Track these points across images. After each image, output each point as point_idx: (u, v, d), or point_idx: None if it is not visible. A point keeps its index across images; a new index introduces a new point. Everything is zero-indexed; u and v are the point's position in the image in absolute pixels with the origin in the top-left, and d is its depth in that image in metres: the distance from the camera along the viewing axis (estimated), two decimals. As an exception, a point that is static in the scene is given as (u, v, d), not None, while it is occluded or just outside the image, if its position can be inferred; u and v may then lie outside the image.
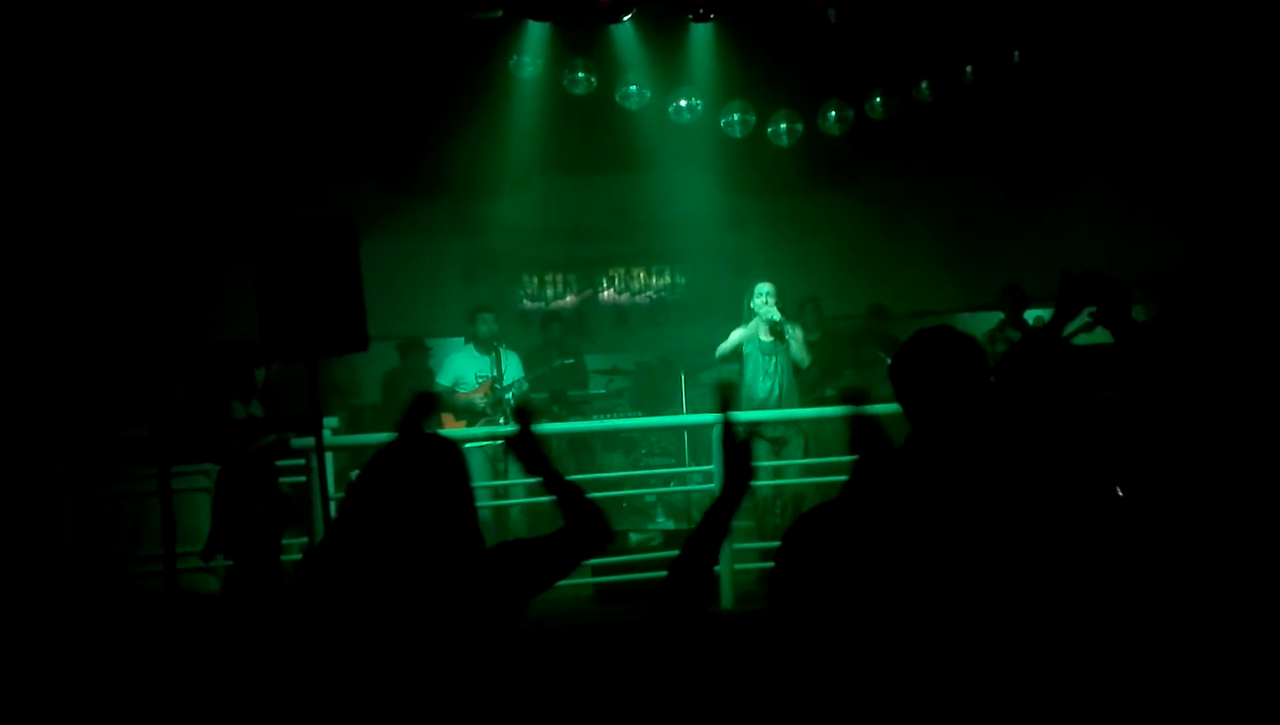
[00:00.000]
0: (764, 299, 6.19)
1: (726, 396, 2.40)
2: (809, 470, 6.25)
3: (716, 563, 2.25)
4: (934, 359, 2.18)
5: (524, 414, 2.53)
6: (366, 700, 2.09)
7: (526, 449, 2.48)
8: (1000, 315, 7.42)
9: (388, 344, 7.67)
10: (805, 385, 6.55)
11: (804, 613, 1.96)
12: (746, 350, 6.26)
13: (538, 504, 6.16)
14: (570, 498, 2.46)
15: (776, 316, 6.15)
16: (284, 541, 5.42)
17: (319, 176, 7.86)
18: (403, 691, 2.09)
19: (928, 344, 2.20)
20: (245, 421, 4.93)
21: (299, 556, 5.60)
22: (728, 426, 2.27)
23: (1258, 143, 7.24)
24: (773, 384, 6.21)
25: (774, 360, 6.23)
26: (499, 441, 6.46)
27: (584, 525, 2.43)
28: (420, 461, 2.24)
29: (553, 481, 2.48)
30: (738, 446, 2.22)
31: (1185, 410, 2.59)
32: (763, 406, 6.19)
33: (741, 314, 6.34)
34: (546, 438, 2.54)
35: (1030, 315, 7.37)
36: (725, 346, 6.33)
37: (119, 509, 5.89)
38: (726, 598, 5.50)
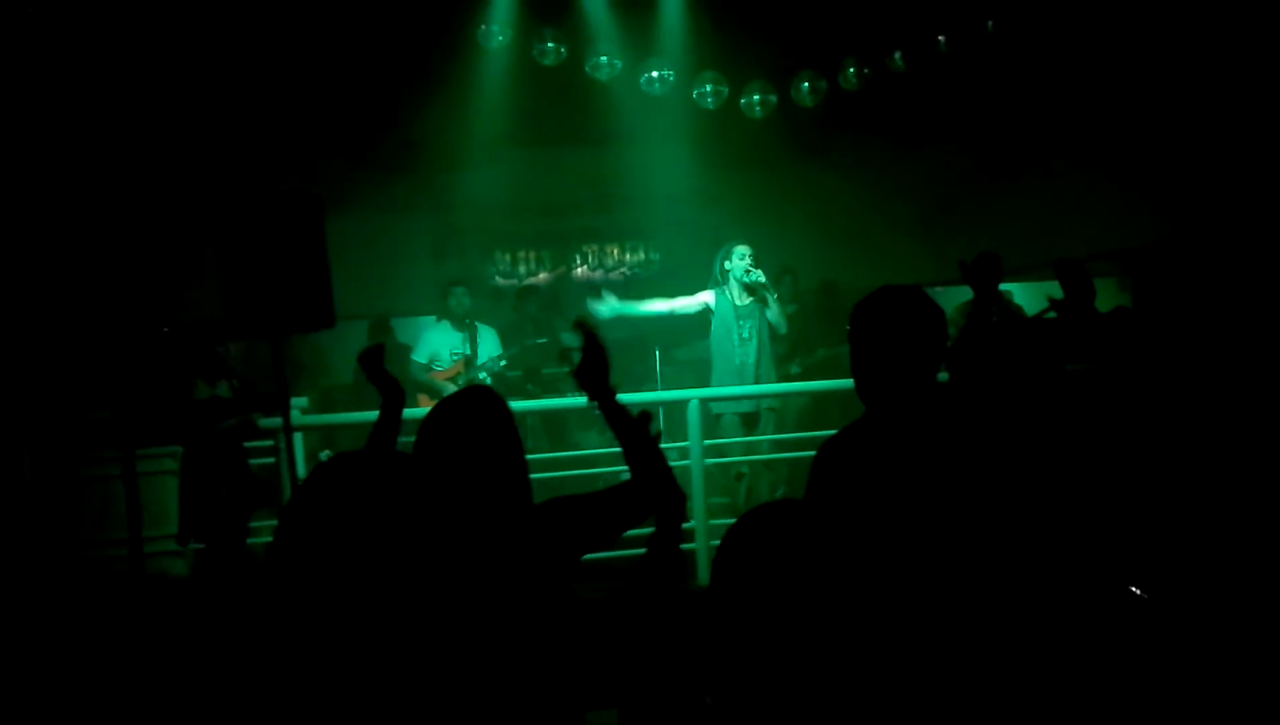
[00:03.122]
0: (745, 261, 5.99)
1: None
2: (779, 446, 6.18)
3: (681, 560, 2.21)
4: (892, 315, 2.15)
5: (587, 332, 2.31)
6: (402, 664, 2.02)
7: (593, 368, 2.28)
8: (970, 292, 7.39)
9: (358, 323, 7.55)
10: (775, 358, 6.39)
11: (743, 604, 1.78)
12: (718, 314, 6.04)
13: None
14: (639, 445, 2.26)
15: (762, 277, 5.98)
16: (254, 523, 5.33)
17: (284, 153, 7.70)
18: (443, 653, 2.02)
19: (888, 301, 2.18)
20: (209, 402, 4.83)
21: (269, 539, 5.50)
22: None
23: (1238, 116, 7.22)
24: (750, 348, 5.99)
25: (749, 323, 6.01)
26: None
27: (650, 479, 2.23)
28: (468, 417, 2.17)
29: (621, 422, 2.27)
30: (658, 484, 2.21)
31: (1156, 384, 2.56)
32: (740, 372, 5.99)
33: (710, 278, 6.12)
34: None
35: (1008, 288, 7.35)
36: (689, 303, 6.08)
37: (86, 493, 5.78)
38: (703, 574, 5.47)
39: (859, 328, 2.19)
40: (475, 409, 2.21)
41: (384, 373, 2.64)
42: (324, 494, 2.05)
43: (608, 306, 5.98)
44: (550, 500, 2.25)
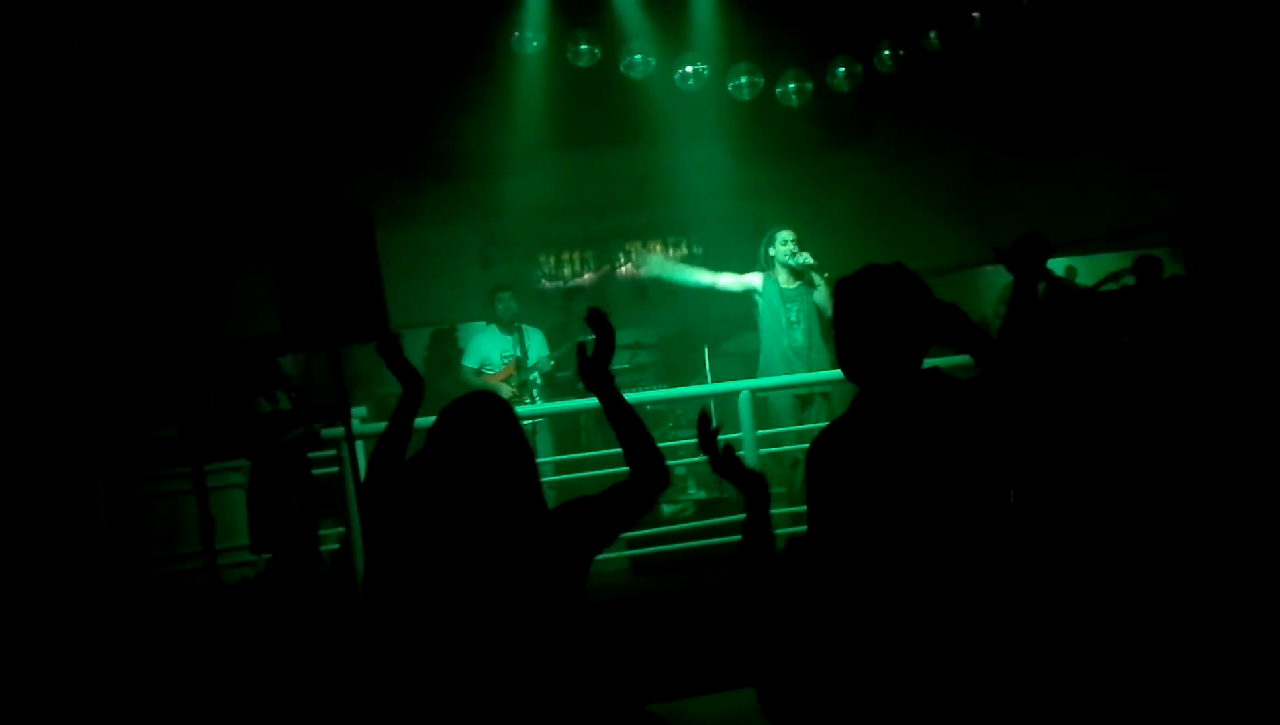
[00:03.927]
0: (789, 246, 6.01)
1: (705, 427, 2.36)
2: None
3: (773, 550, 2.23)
4: (875, 295, 2.19)
5: (601, 320, 2.39)
6: (433, 671, 2.07)
7: (597, 365, 2.36)
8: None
9: (411, 333, 7.67)
10: (825, 338, 6.37)
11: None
12: (764, 298, 6.05)
13: (569, 481, 6.16)
14: (632, 431, 2.37)
15: (810, 259, 5.97)
16: (320, 532, 5.45)
17: (328, 168, 7.85)
18: (471, 656, 2.07)
19: (870, 281, 2.22)
20: (273, 415, 4.95)
21: (336, 546, 5.63)
22: (714, 455, 2.28)
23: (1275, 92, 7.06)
24: (798, 331, 5.99)
25: (796, 307, 6.02)
26: (533, 421, 6.45)
27: (643, 465, 2.34)
28: (478, 423, 2.22)
29: (616, 408, 2.38)
30: (731, 465, 2.27)
31: (1214, 354, 2.53)
32: (789, 355, 5.97)
33: (756, 265, 6.13)
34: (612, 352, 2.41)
35: (1054, 264, 7.27)
36: (734, 282, 6.09)
37: (152, 511, 5.93)
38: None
39: (842, 308, 2.21)
40: (478, 414, 2.27)
41: (403, 361, 2.70)
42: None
43: (656, 263, 6.03)
44: (563, 504, 2.31)
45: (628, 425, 2.37)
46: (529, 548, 2.17)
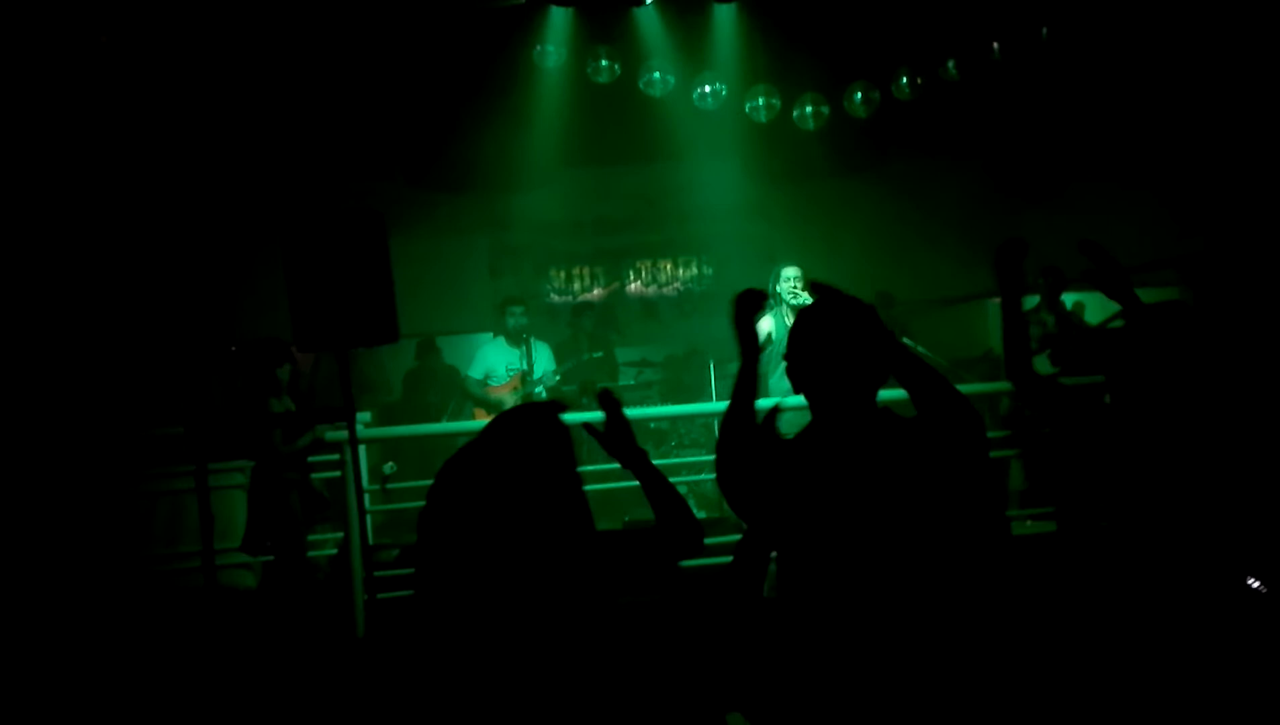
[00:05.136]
0: (791, 283, 5.97)
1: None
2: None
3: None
4: (829, 328, 2.23)
5: (611, 401, 2.41)
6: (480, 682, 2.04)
7: (618, 436, 2.38)
8: (1037, 298, 7.31)
9: (410, 343, 7.68)
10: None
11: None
12: (773, 339, 6.00)
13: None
14: (661, 492, 2.36)
15: (807, 300, 6.00)
16: (314, 537, 5.44)
17: (343, 174, 7.88)
18: (514, 671, 2.04)
19: (819, 317, 2.26)
20: (282, 416, 4.94)
21: (334, 551, 5.61)
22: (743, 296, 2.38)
23: None
24: None
25: None
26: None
27: (674, 523, 2.32)
28: (528, 436, 2.19)
29: (644, 473, 2.37)
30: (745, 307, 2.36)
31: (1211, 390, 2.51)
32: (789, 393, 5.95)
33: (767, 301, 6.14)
34: (635, 423, 2.44)
35: (1067, 298, 7.26)
36: (761, 336, 6.15)
37: (155, 507, 5.93)
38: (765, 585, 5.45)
39: (799, 340, 2.26)
40: (535, 425, 2.22)
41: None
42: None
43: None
44: (605, 533, 2.28)
45: (661, 497, 2.35)
46: (576, 564, 2.14)
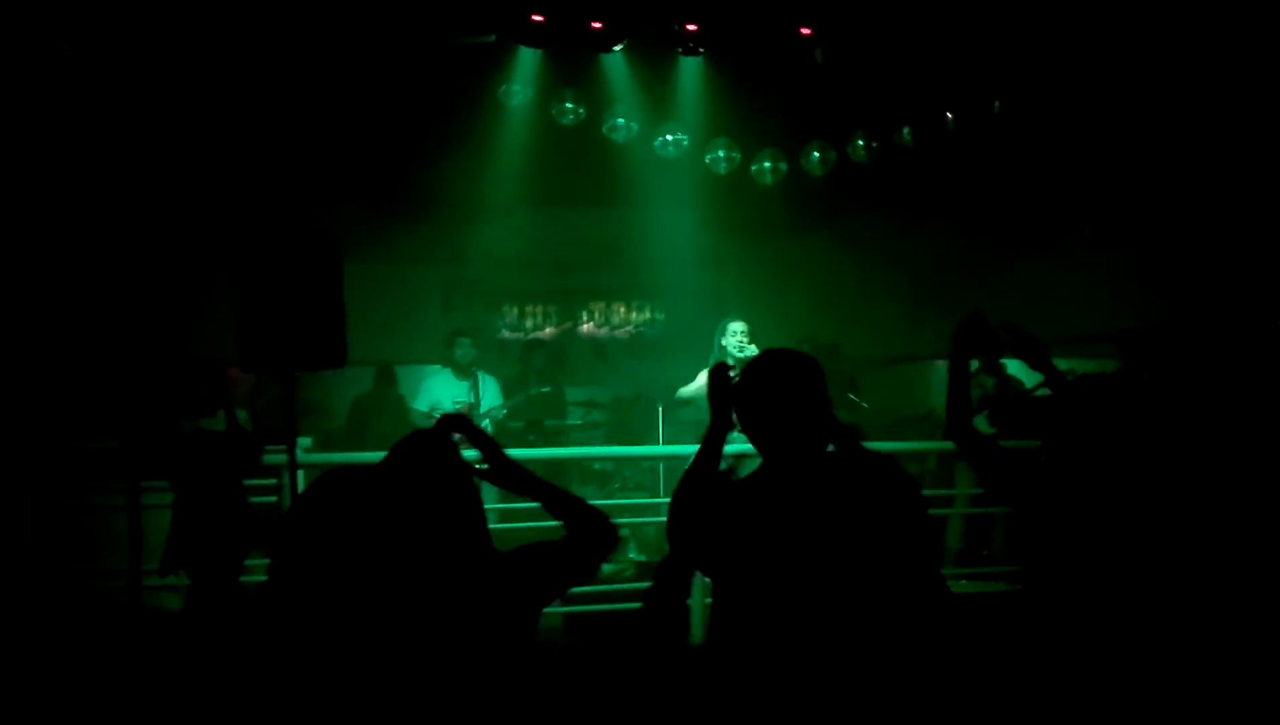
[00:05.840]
0: (738, 338, 5.97)
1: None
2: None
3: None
4: (776, 381, 2.29)
5: (465, 424, 2.42)
6: (368, 707, 2.02)
7: (502, 469, 2.41)
8: (975, 362, 7.45)
9: (357, 369, 7.58)
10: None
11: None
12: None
13: (512, 530, 6.09)
14: (564, 504, 2.38)
15: (755, 353, 6.05)
16: (248, 562, 5.31)
17: (300, 197, 7.83)
18: (408, 699, 2.02)
19: (771, 366, 2.32)
20: (218, 435, 4.84)
21: (264, 577, 5.48)
22: (717, 370, 2.43)
23: (1239, 203, 7.31)
24: None
25: None
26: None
27: (587, 529, 2.35)
28: (421, 467, 2.19)
29: (542, 493, 2.40)
30: (720, 382, 2.40)
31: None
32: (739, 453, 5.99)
33: (710, 353, 6.06)
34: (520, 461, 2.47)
35: (1008, 363, 7.41)
36: (689, 390, 6.03)
37: (87, 523, 5.77)
38: (697, 631, 5.44)
39: (748, 392, 2.33)
40: (427, 453, 2.23)
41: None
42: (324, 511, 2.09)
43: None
44: (518, 548, 2.27)
45: (560, 505, 2.38)
46: (477, 589, 2.14)
